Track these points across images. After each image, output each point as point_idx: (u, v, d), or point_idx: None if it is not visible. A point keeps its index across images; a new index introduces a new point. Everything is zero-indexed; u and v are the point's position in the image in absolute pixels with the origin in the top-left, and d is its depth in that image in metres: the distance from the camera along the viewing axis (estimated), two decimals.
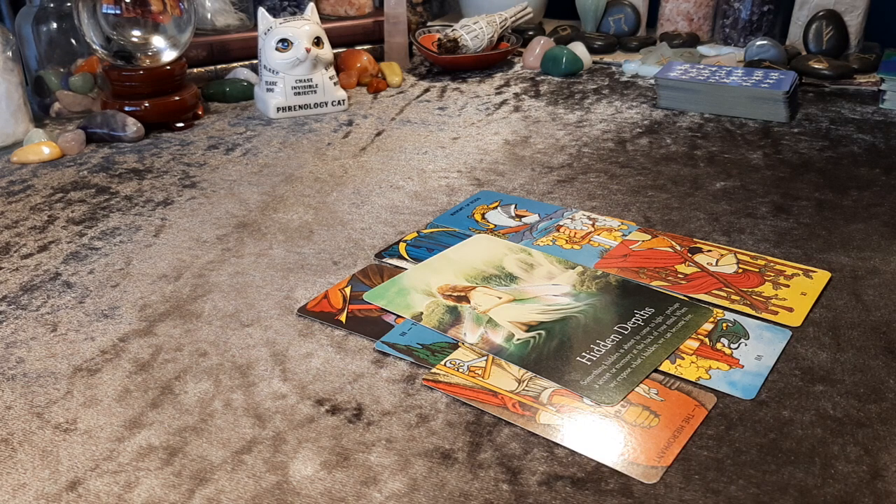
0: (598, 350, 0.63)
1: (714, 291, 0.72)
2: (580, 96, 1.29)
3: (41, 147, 1.05)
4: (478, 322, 0.67)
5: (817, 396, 0.58)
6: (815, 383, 0.60)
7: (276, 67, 1.18)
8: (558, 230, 0.83)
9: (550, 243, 0.81)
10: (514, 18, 1.49)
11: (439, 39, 1.41)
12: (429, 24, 1.67)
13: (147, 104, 1.12)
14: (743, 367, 0.61)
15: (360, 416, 0.57)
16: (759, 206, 0.89)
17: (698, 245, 0.80)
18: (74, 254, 0.81)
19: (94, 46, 1.10)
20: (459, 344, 0.64)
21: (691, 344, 0.64)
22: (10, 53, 1.05)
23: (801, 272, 0.75)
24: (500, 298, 0.71)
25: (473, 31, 1.40)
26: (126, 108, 1.12)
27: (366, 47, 1.44)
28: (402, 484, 0.51)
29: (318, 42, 1.18)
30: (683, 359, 0.62)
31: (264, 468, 0.52)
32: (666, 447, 0.53)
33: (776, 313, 0.68)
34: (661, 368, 0.61)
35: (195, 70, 1.30)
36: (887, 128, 1.12)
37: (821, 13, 1.38)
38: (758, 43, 1.36)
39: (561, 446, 0.54)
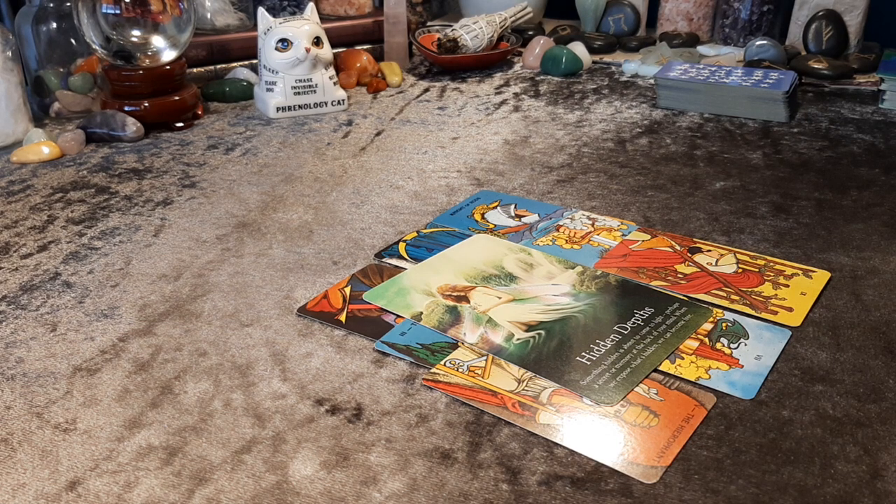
0: (597, 350, 0.63)
1: (714, 291, 0.72)
2: (580, 96, 1.29)
3: (41, 147, 1.05)
4: (477, 322, 0.67)
5: (817, 396, 0.58)
6: (814, 383, 0.60)
7: (276, 67, 1.18)
8: (558, 230, 0.83)
9: (550, 243, 0.81)
10: (513, 18, 1.49)
11: (439, 39, 1.41)
12: (428, 23, 1.67)
13: (147, 104, 1.12)
14: (742, 366, 0.61)
15: (359, 416, 0.57)
16: (758, 206, 0.89)
17: (698, 245, 0.80)
18: (74, 254, 0.81)
19: (94, 46, 1.10)
20: (459, 344, 0.64)
21: (691, 344, 0.64)
22: (9, 53, 1.05)
23: (800, 272, 0.75)
24: (499, 298, 0.71)
25: (473, 31, 1.40)
26: (126, 108, 1.12)
27: (366, 47, 1.44)
28: (402, 484, 0.51)
29: (317, 42, 1.18)
30: (683, 359, 0.62)
31: (264, 468, 0.52)
32: (665, 447, 0.53)
33: (776, 313, 0.68)
34: (660, 368, 0.61)
35: (195, 70, 1.30)
36: (887, 128, 1.12)
37: (821, 13, 1.38)
38: (757, 43, 1.36)
39: (561, 446, 0.54)
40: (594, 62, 1.47)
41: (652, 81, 1.35)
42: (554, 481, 0.51)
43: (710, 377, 0.60)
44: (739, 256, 0.78)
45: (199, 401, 0.59)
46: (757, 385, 0.59)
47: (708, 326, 0.66)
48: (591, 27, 1.58)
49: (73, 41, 1.20)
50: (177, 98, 1.14)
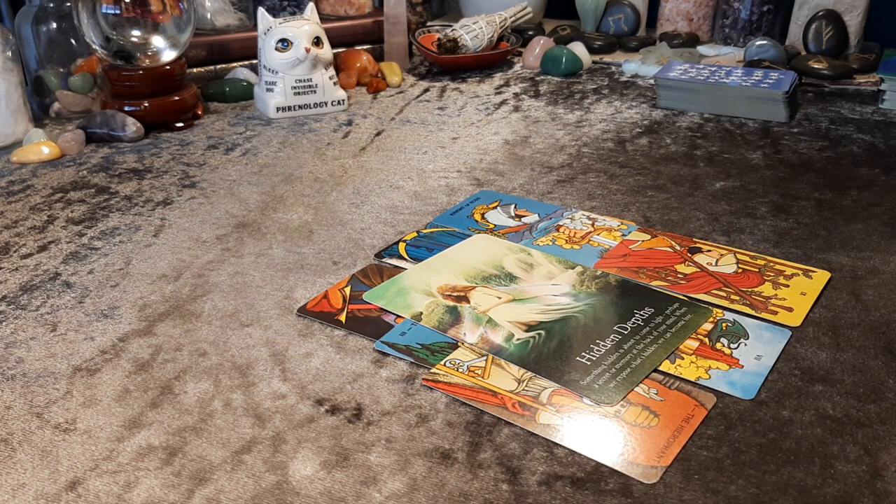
0: (597, 350, 0.63)
1: (714, 291, 0.72)
2: (580, 96, 1.29)
3: (41, 147, 1.05)
4: (477, 322, 0.67)
5: (817, 396, 0.58)
6: (814, 383, 0.60)
7: (276, 67, 1.18)
8: (558, 230, 0.83)
9: (550, 243, 0.81)
10: (513, 18, 1.49)
11: (439, 39, 1.41)
12: (428, 24, 1.67)
13: (147, 104, 1.12)
14: (742, 366, 0.61)
15: (359, 416, 0.57)
16: (758, 206, 0.89)
17: (698, 245, 0.80)
18: (74, 254, 0.81)
19: (94, 46, 1.10)
20: (459, 344, 0.64)
21: (691, 344, 0.64)
22: (9, 53, 1.05)
23: (800, 272, 0.75)
24: (499, 298, 0.71)
25: (473, 31, 1.40)
26: (126, 108, 1.12)
27: (366, 47, 1.44)
28: (402, 484, 0.51)
29: (317, 42, 1.18)
30: (683, 359, 0.62)
31: (264, 468, 0.52)
32: (665, 447, 0.53)
33: (776, 313, 0.68)
34: (660, 368, 0.61)
35: (195, 70, 1.30)
36: (887, 128, 1.12)
37: (820, 13, 1.38)
38: (757, 43, 1.36)
39: (561, 446, 0.54)
40: (594, 62, 1.47)
41: (652, 81, 1.35)
42: (554, 481, 0.51)
43: (710, 377, 0.60)
44: (739, 256, 0.78)
45: (199, 401, 0.59)
46: (757, 385, 0.59)
47: (708, 326, 0.66)
48: (591, 27, 1.58)
49: (73, 41, 1.20)
50: (177, 98, 1.14)
